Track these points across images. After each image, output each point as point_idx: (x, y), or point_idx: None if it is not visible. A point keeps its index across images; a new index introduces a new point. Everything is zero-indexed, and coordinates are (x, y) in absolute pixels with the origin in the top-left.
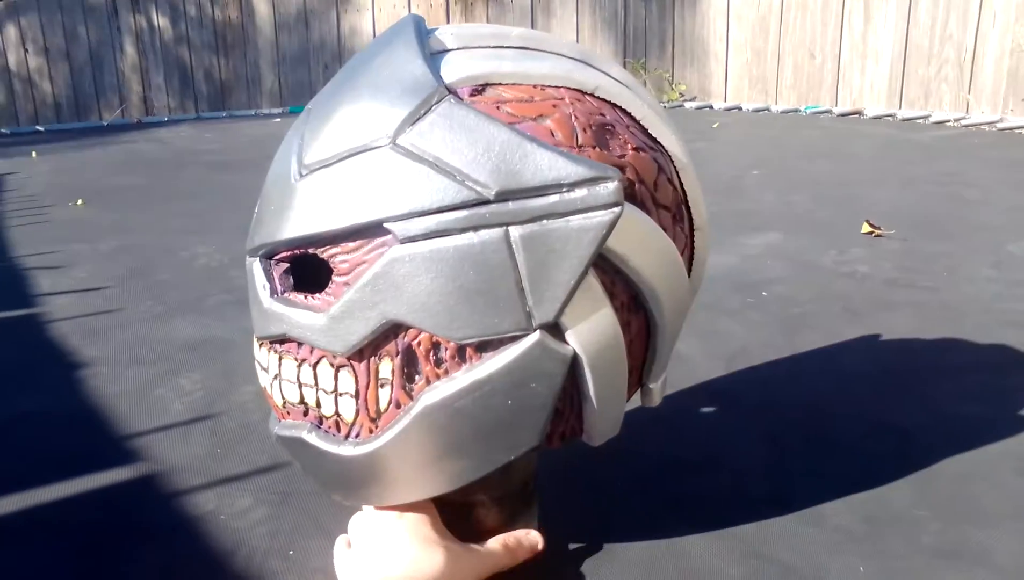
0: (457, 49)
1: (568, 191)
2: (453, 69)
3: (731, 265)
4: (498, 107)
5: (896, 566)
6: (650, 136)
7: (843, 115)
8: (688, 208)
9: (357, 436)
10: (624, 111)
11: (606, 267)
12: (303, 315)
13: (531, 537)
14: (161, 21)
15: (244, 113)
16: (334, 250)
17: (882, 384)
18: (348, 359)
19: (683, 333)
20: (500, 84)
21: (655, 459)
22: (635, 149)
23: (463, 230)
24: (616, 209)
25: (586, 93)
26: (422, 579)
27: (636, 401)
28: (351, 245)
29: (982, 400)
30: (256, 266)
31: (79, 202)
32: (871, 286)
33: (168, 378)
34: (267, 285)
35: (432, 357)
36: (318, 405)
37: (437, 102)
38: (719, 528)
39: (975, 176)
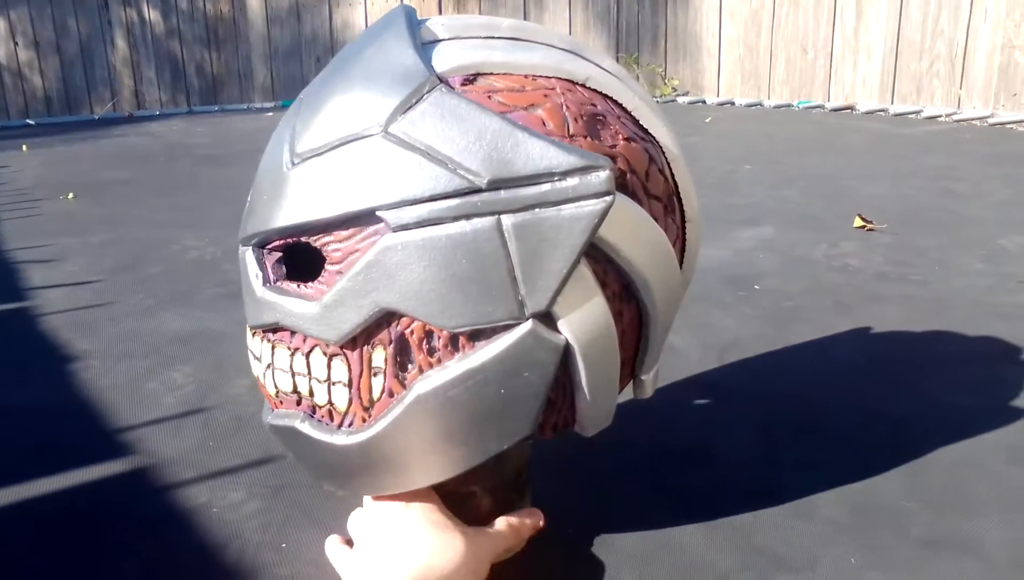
0: (448, 39)
1: (560, 180)
2: (444, 59)
3: (723, 258)
4: (489, 96)
5: (887, 557)
6: (641, 127)
7: (835, 110)
8: (679, 200)
9: (350, 425)
10: (615, 102)
11: (598, 256)
12: (296, 304)
13: (533, 516)
14: (152, 14)
15: (236, 107)
16: (327, 238)
17: (873, 376)
18: (341, 348)
19: (675, 326)
20: (491, 74)
21: (647, 451)
22: (626, 139)
23: (455, 218)
24: (608, 198)
25: (577, 83)
26: (447, 565)
27: (628, 393)
28: (344, 233)
29: (973, 391)
30: (249, 255)
31: (70, 196)
32: (862, 279)
33: (160, 371)
34: (260, 274)
35: (425, 346)
36: (311, 394)
37: (428, 91)
38: (711, 519)
39: (966, 171)
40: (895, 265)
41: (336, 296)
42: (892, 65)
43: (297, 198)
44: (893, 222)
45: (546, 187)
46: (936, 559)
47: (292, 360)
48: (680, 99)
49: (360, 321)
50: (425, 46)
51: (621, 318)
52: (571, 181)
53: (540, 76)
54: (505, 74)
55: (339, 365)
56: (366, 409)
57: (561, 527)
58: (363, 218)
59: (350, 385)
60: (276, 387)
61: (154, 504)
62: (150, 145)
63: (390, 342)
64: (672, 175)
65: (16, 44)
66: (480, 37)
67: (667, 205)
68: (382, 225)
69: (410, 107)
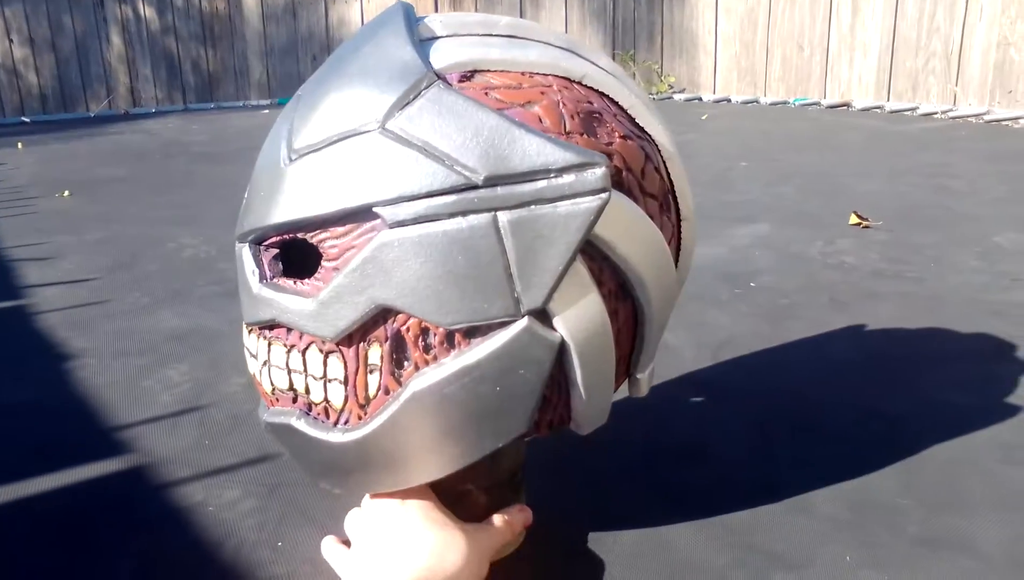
0: (445, 36)
1: (556, 177)
2: (442, 55)
3: (719, 256)
4: (487, 93)
5: (882, 554)
6: (637, 125)
7: (831, 107)
8: (675, 198)
9: (346, 423)
10: (611, 100)
11: (594, 254)
12: (292, 300)
13: (523, 512)
14: (147, 11)
15: (232, 104)
16: (323, 235)
17: (869, 373)
18: (337, 345)
19: (671, 323)
20: (488, 71)
21: (642, 448)
22: (622, 137)
23: (452, 215)
24: (604, 195)
25: (574, 81)
26: (451, 563)
27: (624, 391)
28: (340, 230)
29: (968, 389)
30: (245, 252)
31: (66, 193)
32: (858, 277)
33: (156, 369)
34: (256, 270)
35: (421, 343)
36: (307, 391)
37: (426, 87)
38: (706, 517)
39: (962, 168)
40: (891, 262)
41: (332, 293)
42: (888, 62)
43: (294, 194)
44: (889, 219)
45: (542, 184)
46: (932, 556)
47: (288, 357)
48: (676, 96)
49: (356, 318)
50: (423, 43)
51: (617, 316)
52: (567, 178)
53: (537, 73)
54: (502, 71)
55: (335, 362)
56: (362, 406)
57: (557, 525)
58: (360, 214)
59: (346, 382)
60: (272, 384)
61: (150, 502)
62: (146, 142)
63: (386, 339)
64: (668, 173)
65: (11, 41)
66: (477, 34)
67: (663, 203)
68: (379, 221)
69: (407, 103)
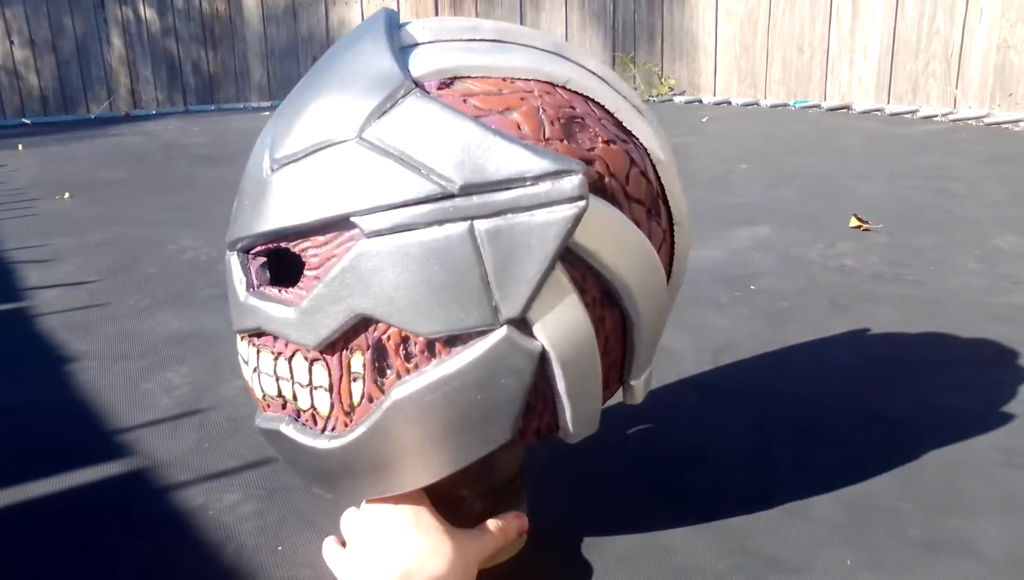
0: (427, 43)
1: (532, 184)
2: (421, 62)
3: (718, 259)
4: (465, 100)
5: (883, 558)
6: (624, 129)
7: (831, 110)
8: (666, 203)
9: (333, 430)
10: (596, 104)
11: (575, 262)
12: (276, 309)
13: (519, 518)
14: (148, 13)
15: (232, 106)
16: (305, 244)
17: (869, 376)
18: (321, 353)
19: (670, 326)
20: (468, 77)
21: (641, 452)
22: (606, 142)
23: (428, 224)
24: (581, 203)
25: (557, 86)
26: (434, 567)
27: (620, 397)
28: (321, 239)
29: (968, 392)
30: (234, 260)
31: (66, 195)
32: (858, 279)
33: (156, 372)
34: (244, 279)
35: (402, 351)
36: (295, 398)
37: (403, 96)
38: (705, 521)
39: (962, 170)
40: (891, 265)
41: (313, 301)
42: (888, 65)
43: (276, 204)
44: (889, 222)
45: (518, 192)
46: (933, 560)
47: (276, 364)
48: (676, 99)
49: (337, 326)
50: (403, 50)
51: (603, 324)
52: (543, 186)
53: (519, 79)
54: (483, 77)
55: (320, 370)
56: (347, 414)
57: (555, 528)
58: (339, 224)
59: (331, 390)
60: (263, 391)
61: (150, 505)
62: (146, 144)
63: (368, 347)
64: (657, 178)
65: (12, 43)
66: (461, 40)
67: (651, 209)
68: (357, 231)
69: (384, 112)
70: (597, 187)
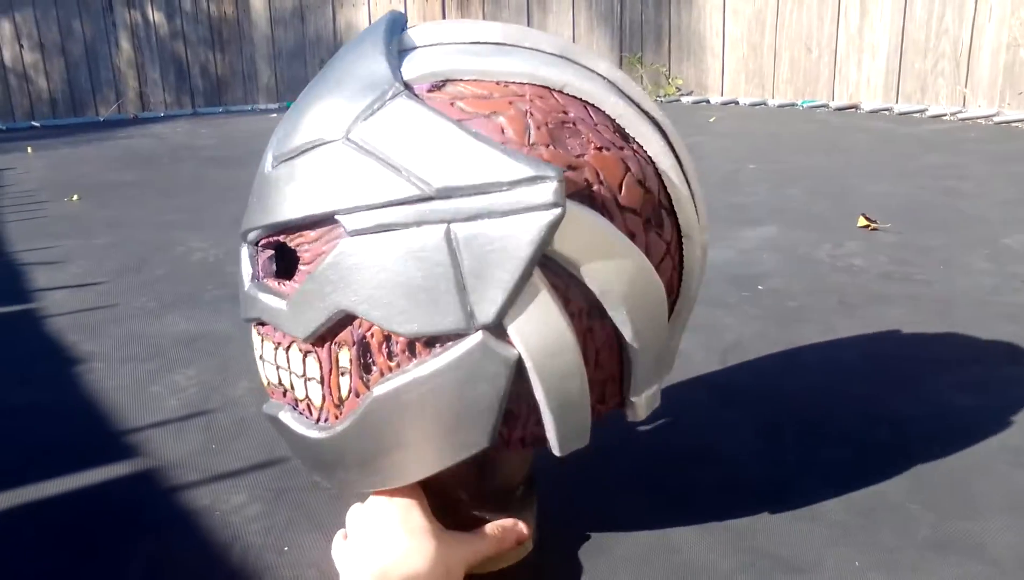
0: (427, 46)
1: (508, 190)
2: (416, 65)
3: (727, 259)
4: (453, 103)
5: (891, 559)
6: (624, 136)
7: (839, 109)
8: (672, 214)
9: (325, 421)
10: (596, 109)
11: (558, 271)
12: (273, 300)
13: (518, 527)
14: (156, 16)
15: (240, 108)
16: (299, 239)
17: (877, 377)
18: (313, 345)
19: None
20: (461, 80)
21: (649, 452)
22: (598, 148)
23: (407, 226)
24: (556, 210)
25: (553, 90)
26: (411, 566)
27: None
28: (312, 234)
29: (978, 393)
30: (245, 251)
31: (74, 198)
32: (866, 279)
33: (163, 374)
34: (251, 270)
35: (385, 349)
36: (292, 388)
37: (391, 98)
38: (714, 521)
39: (971, 170)
40: (899, 265)
41: (302, 295)
42: (897, 64)
43: (274, 199)
44: (897, 221)
45: (494, 197)
46: (941, 561)
47: (276, 354)
48: (684, 99)
49: (322, 321)
50: (402, 53)
51: (591, 336)
52: (519, 191)
53: (513, 83)
54: (476, 80)
55: (312, 362)
56: (337, 406)
57: (562, 527)
58: (326, 221)
59: (322, 382)
60: (267, 378)
61: (156, 506)
62: (155, 147)
63: (354, 343)
64: (662, 188)
65: (21, 46)
66: (463, 43)
67: (650, 220)
68: (342, 229)
69: (371, 114)
70: (585, 195)
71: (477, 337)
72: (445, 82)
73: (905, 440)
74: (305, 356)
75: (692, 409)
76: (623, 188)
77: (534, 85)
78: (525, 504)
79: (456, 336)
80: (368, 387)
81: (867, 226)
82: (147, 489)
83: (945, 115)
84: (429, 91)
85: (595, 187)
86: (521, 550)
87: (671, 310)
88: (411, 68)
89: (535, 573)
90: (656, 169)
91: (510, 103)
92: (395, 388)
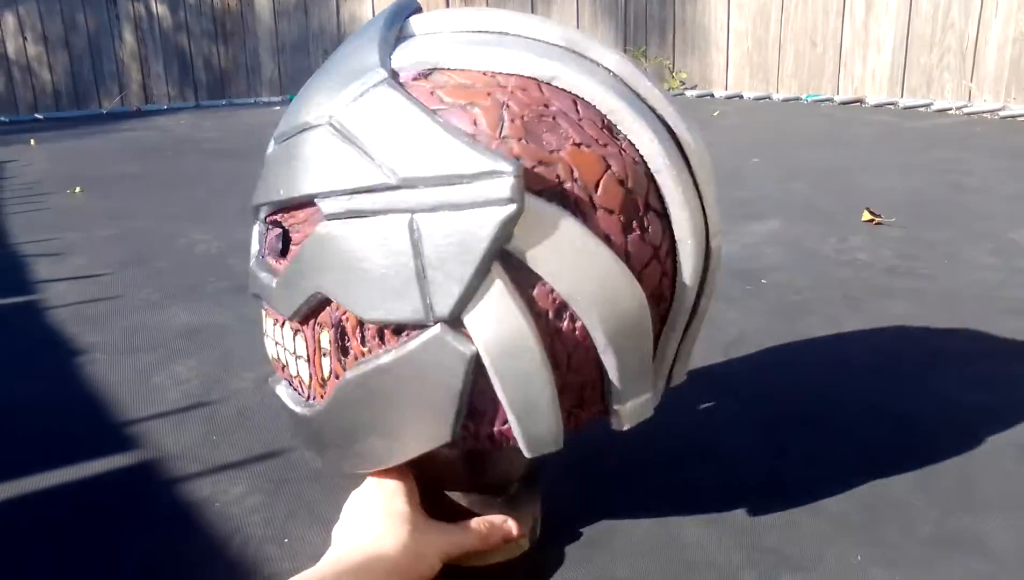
0: (427, 34)
1: (468, 183)
2: (408, 54)
3: (730, 253)
4: (433, 92)
5: (894, 555)
6: (612, 133)
7: (844, 103)
8: (664, 217)
9: (312, 399)
10: (586, 104)
11: (521, 269)
12: (267, 278)
13: (506, 524)
14: (160, 9)
15: (244, 101)
16: (291, 220)
17: (881, 371)
18: (300, 324)
19: None
20: (448, 69)
21: (650, 446)
22: (576, 145)
23: (376, 213)
24: (511, 206)
25: (542, 82)
26: (382, 550)
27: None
28: (301, 215)
29: (982, 388)
30: (256, 228)
31: (77, 190)
32: (871, 274)
33: (165, 365)
34: (258, 247)
35: (358, 334)
36: (287, 364)
37: (374, 85)
38: (716, 516)
39: (976, 164)
40: (904, 259)
41: (287, 275)
42: (902, 58)
43: (270, 179)
44: (902, 216)
45: (456, 189)
46: (944, 557)
47: (274, 329)
48: (688, 93)
49: (303, 301)
50: (399, 40)
51: (560, 338)
52: (478, 185)
53: (500, 73)
54: (463, 70)
55: (300, 341)
56: (321, 386)
57: (565, 522)
58: (310, 203)
59: (309, 361)
60: (270, 353)
61: (157, 498)
62: (158, 139)
63: (332, 326)
64: (654, 189)
65: (25, 39)
66: (464, 31)
67: (631, 221)
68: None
69: (354, 100)
70: (555, 192)
71: (435, 330)
72: (432, 71)
73: (908, 435)
74: (295, 335)
75: (694, 403)
76: (600, 187)
77: (522, 76)
78: (520, 502)
79: (419, 327)
80: (345, 369)
81: (872, 220)
82: (148, 480)
83: (951, 109)
84: (414, 79)
85: (567, 184)
86: (514, 548)
87: (664, 318)
88: (402, 56)
89: (536, 567)
90: (647, 169)
91: (488, 94)
92: (364, 373)
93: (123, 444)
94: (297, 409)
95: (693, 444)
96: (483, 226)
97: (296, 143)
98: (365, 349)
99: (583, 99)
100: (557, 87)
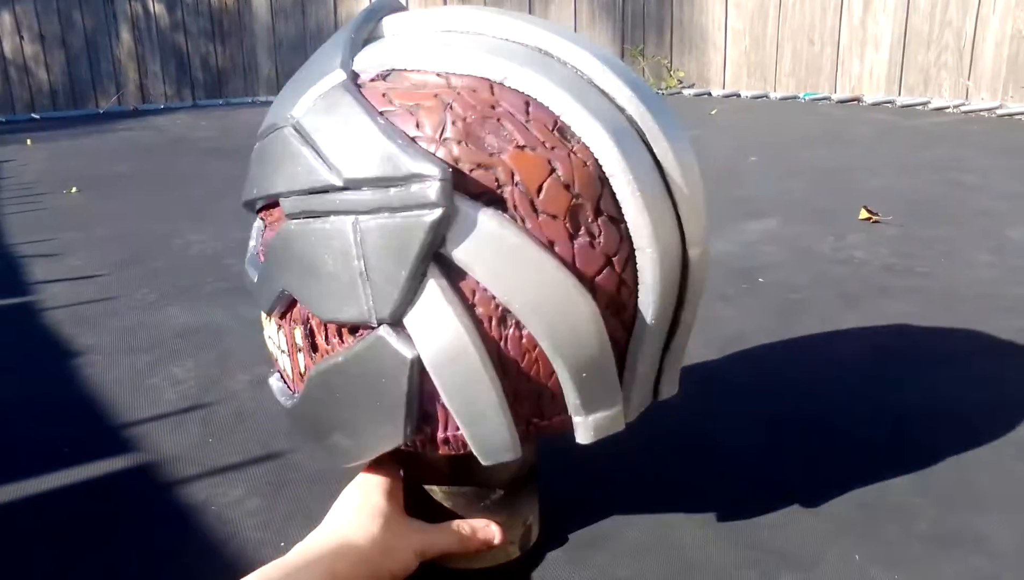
0: (394, 35)
1: (402, 185)
2: (370, 55)
3: (727, 251)
4: (384, 94)
5: (892, 553)
6: (564, 135)
7: (842, 102)
8: (618, 223)
9: (295, 393)
10: (539, 105)
11: (461, 273)
12: (252, 273)
13: (488, 529)
14: (157, 8)
15: (241, 100)
16: (269, 217)
17: (879, 370)
18: (280, 319)
19: None
20: (406, 70)
21: (649, 446)
22: (520, 147)
23: (326, 214)
24: (438, 210)
25: (494, 83)
26: (350, 542)
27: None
28: (275, 213)
29: (980, 386)
30: (255, 224)
31: (73, 190)
32: (868, 272)
33: (162, 366)
34: (253, 242)
35: (323, 331)
36: (277, 357)
37: (331, 88)
38: (714, 515)
39: (974, 162)
40: (901, 257)
41: (262, 271)
42: (899, 56)
43: (250, 176)
44: (899, 214)
45: (391, 192)
46: (943, 555)
47: (266, 324)
48: (686, 91)
49: (274, 298)
50: (368, 41)
51: (507, 345)
52: (410, 188)
53: (454, 74)
54: (419, 71)
55: (282, 336)
56: (299, 380)
57: (564, 521)
58: (277, 202)
59: (289, 355)
60: (266, 346)
61: (154, 500)
62: (155, 139)
63: (302, 322)
64: (608, 194)
65: (21, 38)
66: (433, 32)
67: (577, 227)
68: None
69: (314, 103)
70: (493, 196)
71: (380, 331)
72: (390, 72)
73: (906, 434)
74: (278, 329)
75: (691, 402)
76: (542, 191)
77: (475, 77)
78: (509, 507)
79: (367, 329)
80: (314, 365)
81: (869, 219)
82: (144, 482)
83: (948, 108)
84: (372, 81)
85: (507, 188)
86: (501, 553)
87: (630, 331)
88: (366, 58)
89: (535, 566)
90: (601, 173)
91: (435, 96)
92: (324, 370)
93: (120, 446)
94: (283, 401)
95: (691, 442)
96: (413, 229)
97: (267, 143)
98: (328, 347)
99: (536, 100)
100: (510, 88)
